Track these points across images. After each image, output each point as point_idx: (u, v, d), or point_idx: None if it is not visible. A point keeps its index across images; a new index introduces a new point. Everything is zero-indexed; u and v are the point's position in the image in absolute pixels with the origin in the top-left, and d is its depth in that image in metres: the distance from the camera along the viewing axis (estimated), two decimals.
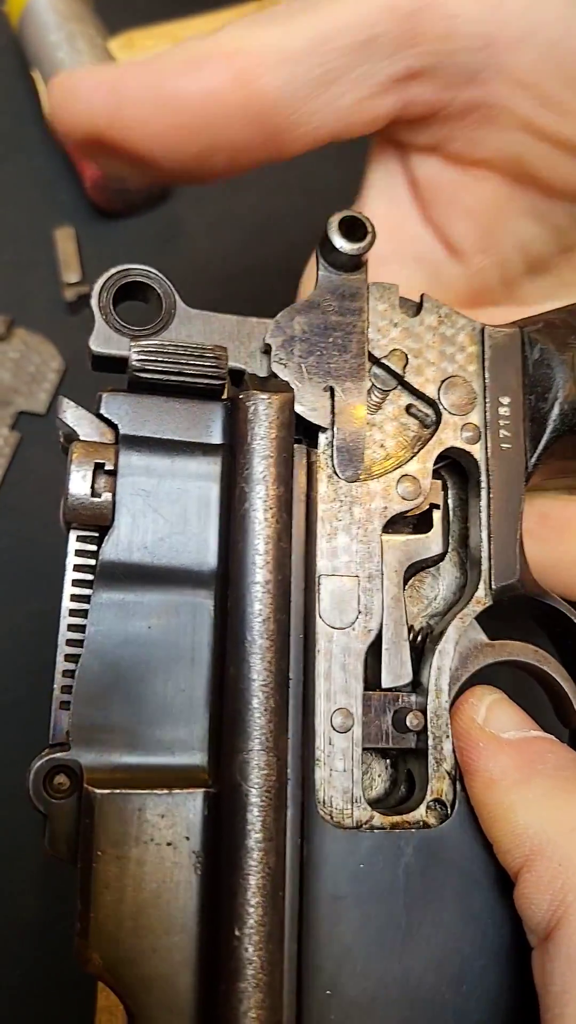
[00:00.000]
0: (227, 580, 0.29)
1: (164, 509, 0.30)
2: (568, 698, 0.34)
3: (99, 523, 0.30)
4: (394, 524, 0.34)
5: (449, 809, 0.31)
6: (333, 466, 0.32)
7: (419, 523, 0.34)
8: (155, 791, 0.28)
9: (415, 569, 0.34)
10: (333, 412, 0.32)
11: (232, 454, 0.30)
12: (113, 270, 0.32)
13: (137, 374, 0.30)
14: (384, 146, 0.39)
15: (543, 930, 0.28)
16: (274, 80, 0.33)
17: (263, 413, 0.30)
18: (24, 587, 0.50)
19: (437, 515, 0.34)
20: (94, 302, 0.32)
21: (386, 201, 0.40)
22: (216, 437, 0.31)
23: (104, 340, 0.31)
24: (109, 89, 0.34)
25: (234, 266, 0.57)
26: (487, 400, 0.34)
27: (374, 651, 0.32)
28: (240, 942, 0.27)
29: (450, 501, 0.35)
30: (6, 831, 0.46)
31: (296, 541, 0.31)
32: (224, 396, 0.31)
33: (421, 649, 0.33)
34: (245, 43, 0.33)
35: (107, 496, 0.30)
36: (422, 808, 0.31)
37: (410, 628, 0.33)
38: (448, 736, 0.32)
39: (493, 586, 0.33)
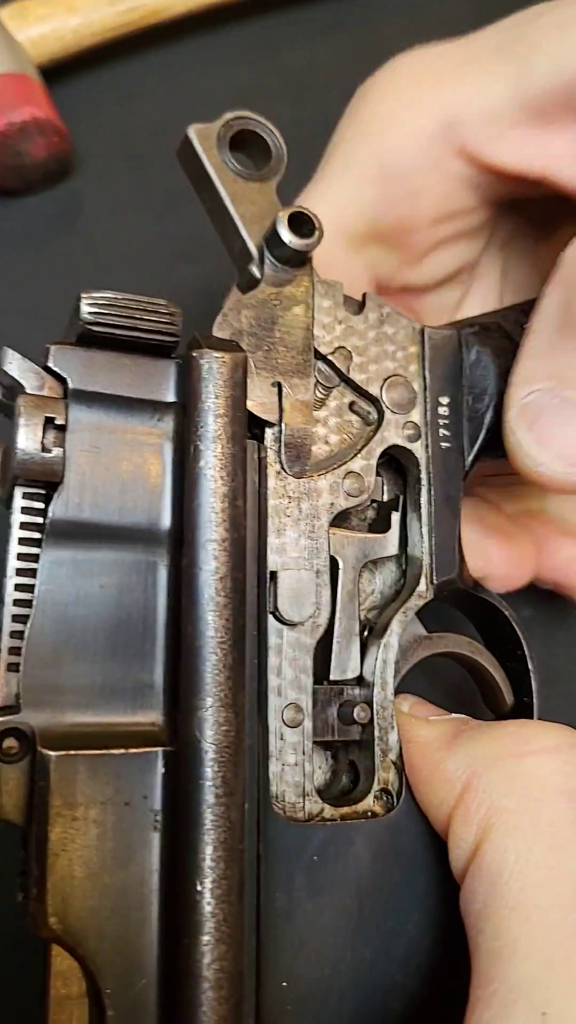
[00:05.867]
0: (181, 539, 0.29)
1: (116, 467, 0.29)
2: (499, 686, 0.36)
3: (48, 479, 0.29)
4: (350, 522, 0.34)
5: (395, 798, 0.32)
6: (281, 462, 0.32)
7: (376, 522, 0.35)
8: (111, 751, 0.28)
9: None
10: (281, 408, 0.32)
11: (185, 412, 0.30)
12: (229, 115, 0.34)
13: (89, 327, 0.29)
14: None
15: (468, 859, 0.29)
16: None
17: (217, 371, 0.30)
18: None
19: (395, 517, 0.35)
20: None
21: None
22: (169, 395, 0.30)
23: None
24: None
25: (139, 246, 0.55)
26: (427, 400, 0.35)
27: (320, 645, 0.33)
28: (202, 896, 0.27)
29: (385, 496, 0.36)
30: None
31: (249, 535, 0.30)
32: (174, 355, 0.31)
33: (364, 643, 0.34)
34: None
35: (57, 452, 0.29)
36: (370, 798, 0.32)
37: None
38: (393, 727, 0.32)
39: (434, 580, 0.34)
